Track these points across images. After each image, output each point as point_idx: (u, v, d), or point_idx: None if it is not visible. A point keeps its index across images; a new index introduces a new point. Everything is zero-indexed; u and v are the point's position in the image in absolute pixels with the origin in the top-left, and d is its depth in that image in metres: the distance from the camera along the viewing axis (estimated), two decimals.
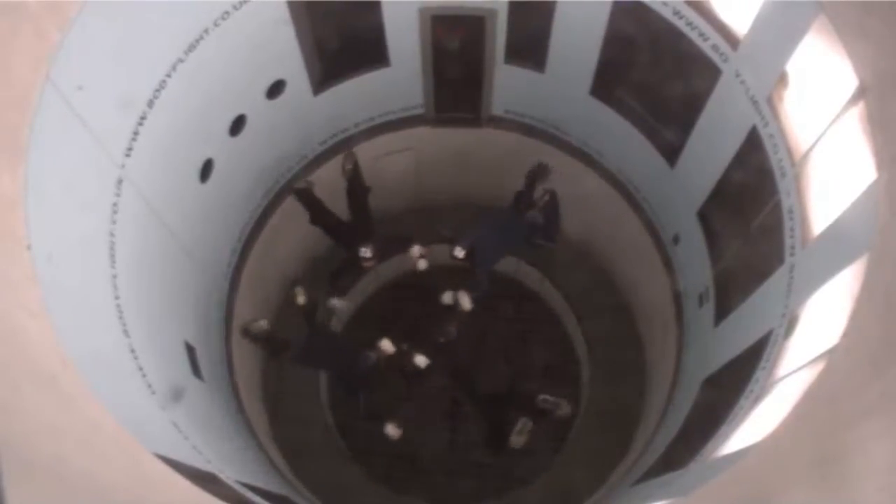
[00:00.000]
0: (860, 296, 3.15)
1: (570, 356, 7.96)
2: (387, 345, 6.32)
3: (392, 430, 6.31)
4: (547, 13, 5.42)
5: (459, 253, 6.27)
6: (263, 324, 6.15)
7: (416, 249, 6.58)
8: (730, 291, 5.34)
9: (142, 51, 4.03)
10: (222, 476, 4.18)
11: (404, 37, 5.79)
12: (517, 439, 6.54)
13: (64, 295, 3.24)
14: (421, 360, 6.33)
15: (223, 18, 4.52)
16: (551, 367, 7.85)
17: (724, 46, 4.56)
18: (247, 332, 6.13)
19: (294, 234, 6.91)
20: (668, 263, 6.42)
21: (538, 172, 6.51)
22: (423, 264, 6.64)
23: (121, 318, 3.92)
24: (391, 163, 7.09)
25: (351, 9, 5.53)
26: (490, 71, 6.21)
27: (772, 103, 4.31)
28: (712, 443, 4.35)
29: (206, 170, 5.17)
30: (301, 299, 6.29)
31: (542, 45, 5.74)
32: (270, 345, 6.37)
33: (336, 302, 6.93)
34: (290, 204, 6.60)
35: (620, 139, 6.13)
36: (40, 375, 2.92)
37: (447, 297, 6.51)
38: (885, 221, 3.14)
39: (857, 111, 3.42)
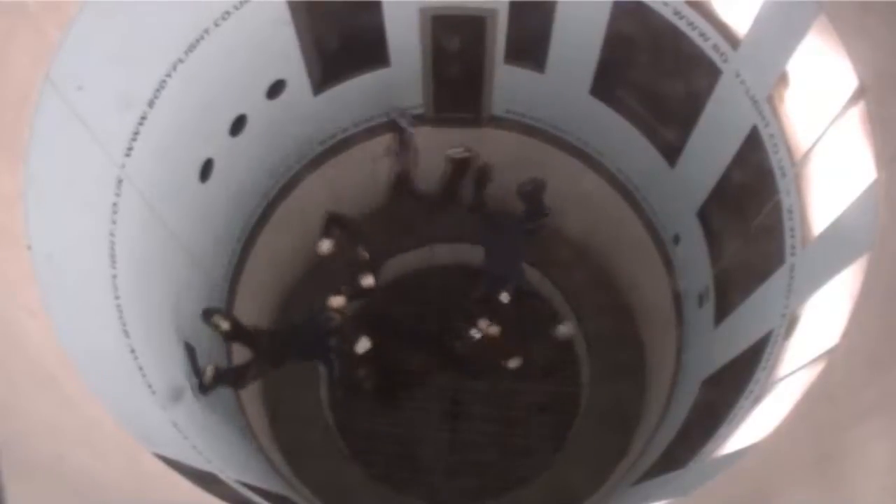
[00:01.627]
0: (860, 296, 3.16)
1: (570, 356, 7.96)
2: (337, 299, 6.02)
3: (363, 344, 6.12)
4: (547, 13, 5.42)
5: (506, 298, 6.60)
6: (209, 370, 5.45)
7: (325, 244, 6.31)
8: (730, 291, 5.34)
9: (142, 51, 4.03)
10: (222, 476, 4.18)
11: (404, 37, 5.79)
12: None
13: (64, 295, 3.25)
14: (368, 280, 6.23)
15: (223, 18, 4.52)
16: (551, 366, 7.85)
17: (724, 46, 4.55)
18: (201, 383, 5.41)
19: (294, 234, 6.91)
20: (668, 263, 6.42)
21: (537, 186, 6.69)
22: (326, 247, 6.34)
23: (121, 318, 3.93)
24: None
25: (351, 9, 5.52)
26: (490, 71, 6.20)
27: (772, 103, 4.30)
28: (712, 443, 4.34)
29: (206, 170, 5.17)
30: (224, 325, 5.77)
31: (543, 45, 5.74)
32: (226, 380, 5.83)
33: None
34: (290, 203, 6.61)
35: (620, 139, 6.12)
36: (40, 375, 2.93)
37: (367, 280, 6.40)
38: (885, 221, 3.15)
39: (857, 111, 3.42)
